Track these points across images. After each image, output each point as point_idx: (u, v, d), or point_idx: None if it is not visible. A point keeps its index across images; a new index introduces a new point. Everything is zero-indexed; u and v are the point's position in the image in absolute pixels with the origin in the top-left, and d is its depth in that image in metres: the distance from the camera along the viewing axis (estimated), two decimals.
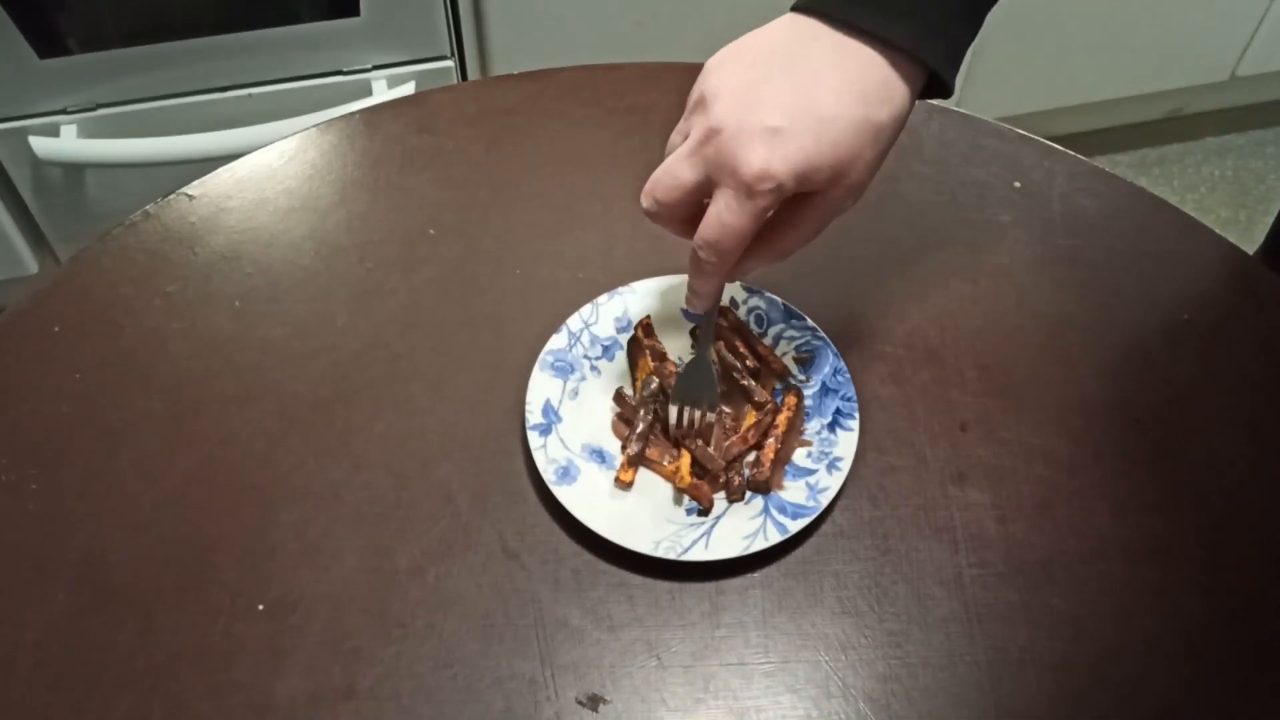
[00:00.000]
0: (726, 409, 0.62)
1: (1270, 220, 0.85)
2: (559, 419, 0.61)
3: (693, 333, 0.66)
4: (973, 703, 0.53)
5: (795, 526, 0.57)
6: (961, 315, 0.68)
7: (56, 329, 0.66)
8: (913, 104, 0.52)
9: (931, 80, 0.52)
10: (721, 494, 0.59)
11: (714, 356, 0.62)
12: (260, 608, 0.55)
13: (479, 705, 0.53)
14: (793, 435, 0.61)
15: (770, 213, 0.50)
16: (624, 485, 0.59)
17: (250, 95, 1.28)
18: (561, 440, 0.60)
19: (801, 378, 0.64)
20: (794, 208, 0.52)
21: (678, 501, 0.59)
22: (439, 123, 0.78)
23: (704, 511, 0.58)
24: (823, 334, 0.65)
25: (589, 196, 0.74)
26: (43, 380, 0.64)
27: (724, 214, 0.50)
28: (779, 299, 0.66)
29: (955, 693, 0.53)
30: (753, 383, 0.63)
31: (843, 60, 0.50)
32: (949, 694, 0.53)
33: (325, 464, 0.61)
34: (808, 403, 0.62)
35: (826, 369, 0.63)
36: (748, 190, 0.49)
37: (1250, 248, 0.72)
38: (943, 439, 0.62)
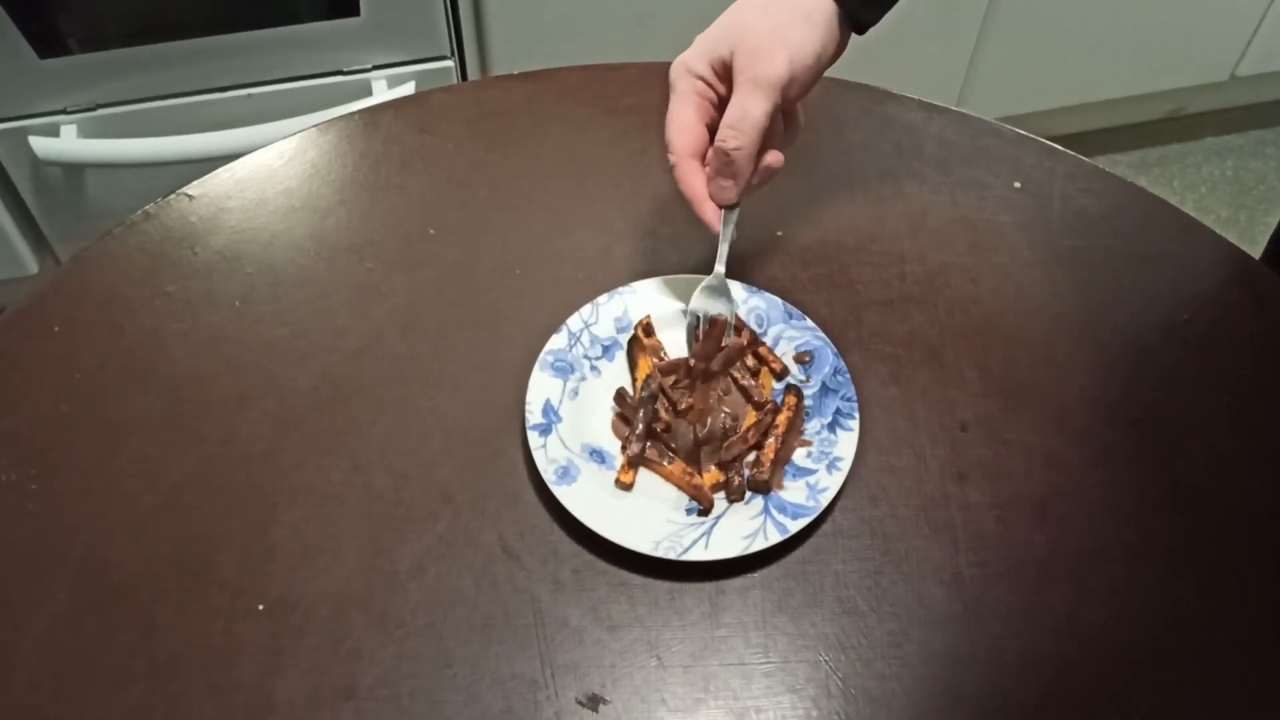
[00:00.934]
0: (726, 410, 0.62)
1: (1271, 222, 0.85)
2: (559, 419, 0.61)
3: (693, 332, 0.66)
4: (973, 703, 0.53)
5: (795, 526, 0.57)
6: (961, 315, 0.68)
7: (56, 329, 0.66)
8: (833, 20, 0.59)
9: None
10: (721, 494, 0.59)
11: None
12: (260, 608, 0.55)
13: (479, 705, 0.53)
14: (793, 435, 0.61)
15: (695, 96, 0.59)
16: (624, 486, 0.59)
17: (250, 95, 1.27)
18: (561, 440, 0.60)
19: (802, 378, 0.64)
20: None
21: (677, 502, 0.59)
22: (439, 123, 0.78)
23: (704, 511, 0.58)
24: (823, 334, 0.65)
25: (589, 196, 0.74)
26: (43, 380, 0.64)
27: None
28: (779, 299, 0.66)
29: (955, 693, 0.53)
30: (753, 383, 0.63)
31: None
32: (949, 694, 0.53)
33: (325, 464, 0.61)
34: (808, 403, 0.62)
35: (826, 369, 0.63)
36: (670, 81, 0.60)
37: (1250, 247, 0.72)
38: (943, 439, 0.62)
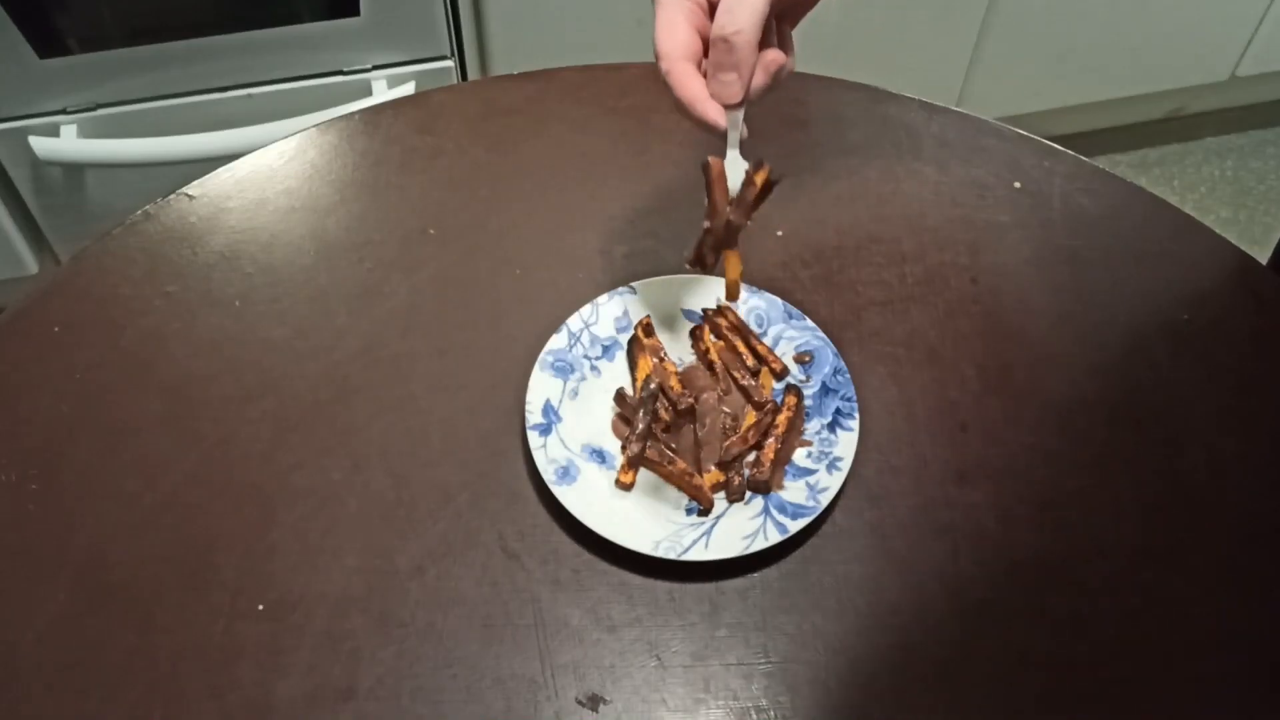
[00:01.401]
0: (727, 410, 0.62)
1: (1271, 222, 0.85)
2: (559, 419, 0.61)
3: (693, 333, 0.66)
4: (973, 703, 0.53)
5: (795, 526, 0.57)
6: (961, 315, 0.68)
7: (56, 329, 0.66)
8: None
9: None
10: (721, 494, 0.59)
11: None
12: (260, 608, 0.55)
13: (479, 705, 0.53)
14: (793, 435, 0.61)
15: (684, 1, 0.54)
16: (624, 486, 0.59)
17: (250, 95, 1.27)
18: (561, 440, 0.60)
19: (802, 378, 0.64)
20: None
21: (677, 502, 0.59)
22: (439, 123, 0.78)
23: (704, 511, 0.58)
24: (823, 334, 0.65)
25: (589, 196, 0.74)
26: (43, 380, 0.64)
27: None
28: (779, 299, 0.66)
29: (955, 692, 0.53)
30: (753, 383, 0.63)
31: None
32: (949, 694, 0.53)
33: (325, 464, 0.61)
34: (808, 403, 0.62)
35: (826, 369, 0.63)
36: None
37: (1250, 247, 0.72)
38: (943, 439, 0.62)
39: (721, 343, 0.65)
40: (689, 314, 0.66)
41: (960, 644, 0.55)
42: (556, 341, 0.64)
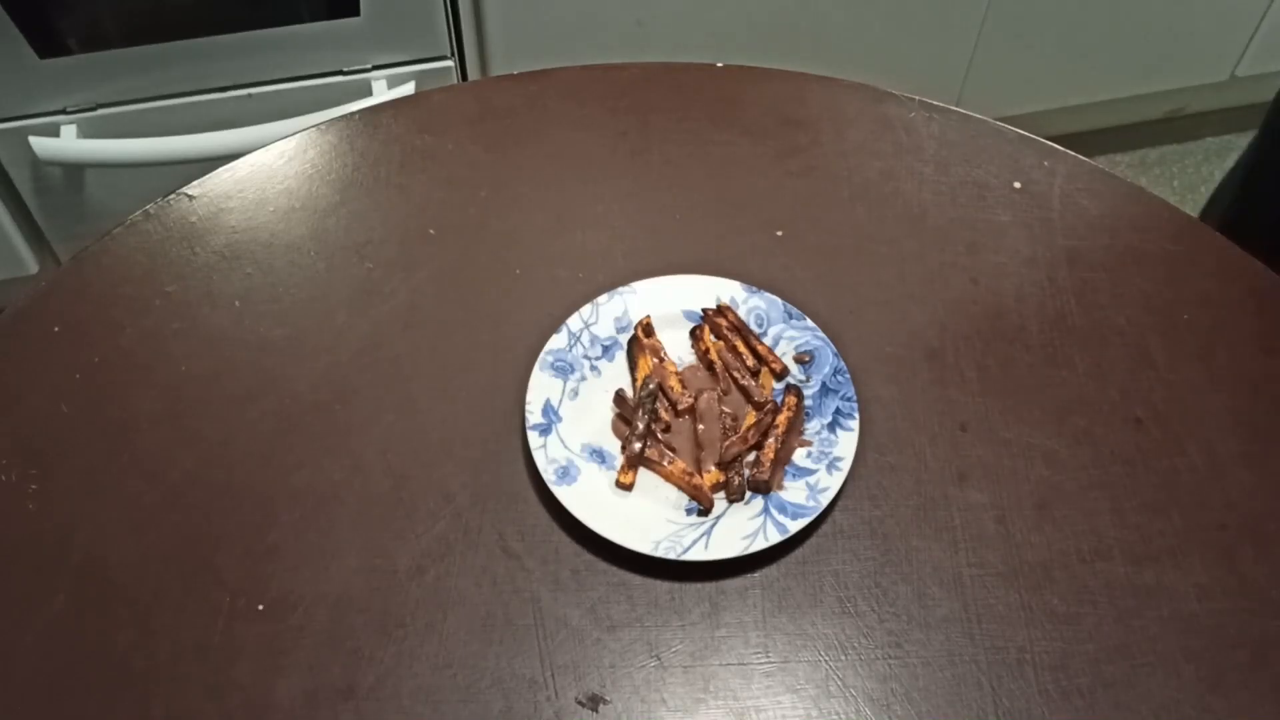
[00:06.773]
0: (727, 410, 0.62)
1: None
2: (559, 419, 0.61)
3: (693, 333, 0.66)
4: (973, 703, 0.53)
5: (795, 526, 0.57)
6: (961, 315, 0.68)
7: (56, 329, 0.66)
8: None
9: None
10: (721, 494, 0.59)
11: None
12: (260, 608, 0.55)
13: (479, 705, 0.53)
14: (793, 435, 0.61)
15: None
16: (624, 487, 0.59)
17: (250, 95, 1.27)
18: (561, 440, 0.60)
19: (801, 378, 0.64)
20: None
21: (677, 502, 0.59)
22: (439, 123, 0.78)
23: (704, 511, 0.58)
24: (823, 334, 0.65)
25: (589, 196, 0.74)
26: (43, 380, 0.64)
27: None
28: (779, 299, 0.66)
29: (955, 693, 0.53)
30: (753, 383, 0.63)
31: None
32: (949, 694, 0.53)
33: (325, 464, 0.61)
34: (808, 403, 0.62)
35: (826, 369, 0.63)
36: None
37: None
38: (943, 439, 0.62)
39: (721, 343, 0.65)
40: (689, 314, 0.66)
41: (960, 644, 0.55)
42: (556, 341, 0.64)
